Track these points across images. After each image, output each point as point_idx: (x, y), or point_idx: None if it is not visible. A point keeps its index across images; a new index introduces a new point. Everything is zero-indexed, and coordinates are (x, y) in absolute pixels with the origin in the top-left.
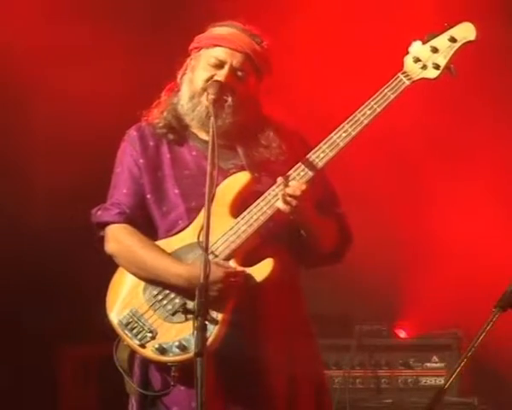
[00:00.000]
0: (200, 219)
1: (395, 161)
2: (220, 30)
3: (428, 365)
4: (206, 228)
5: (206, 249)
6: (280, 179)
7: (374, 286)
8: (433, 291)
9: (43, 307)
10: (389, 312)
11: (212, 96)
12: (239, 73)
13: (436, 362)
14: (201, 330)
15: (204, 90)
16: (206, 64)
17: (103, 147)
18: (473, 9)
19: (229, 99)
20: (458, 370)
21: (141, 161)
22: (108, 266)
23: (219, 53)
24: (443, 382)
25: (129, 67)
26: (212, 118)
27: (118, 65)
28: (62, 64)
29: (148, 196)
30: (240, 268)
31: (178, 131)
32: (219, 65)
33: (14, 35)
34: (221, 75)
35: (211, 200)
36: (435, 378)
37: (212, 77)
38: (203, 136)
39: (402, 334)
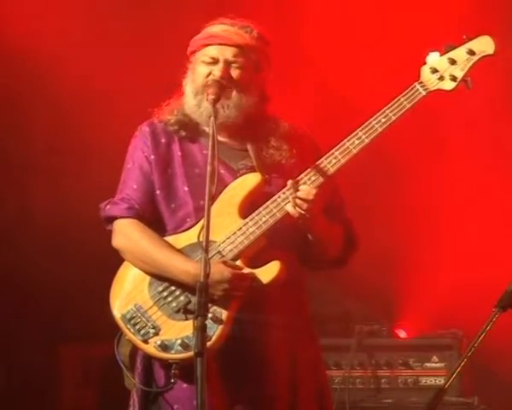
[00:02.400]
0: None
1: (397, 163)
2: (211, 29)
3: (428, 365)
4: (206, 229)
5: (206, 249)
6: (290, 183)
7: (374, 286)
8: (434, 291)
9: (43, 307)
10: (389, 312)
11: (211, 97)
12: (234, 66)
13: (436, 362)
14: (201, 330)
15: (205, 86)
16: (202, 64)
17: (105, 146)
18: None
19: (233, 90)
20: (458, 370)
21: (152, 157)
22: (109, 267)
23: (211, 51)
24: (443, 382)
25: (131, 63)
26: (212, 118)
27: (118, 63)
28: (62, 63)
29: (158, 193)
30: (247, 270)
31: (190, 128)
32: (214, 62)
33: (14, 34)
34: (217, 71)
35: (211, 199)
36: (435, 378)
37: (210, 73)
38: (217, 135)
39: (402, 334)
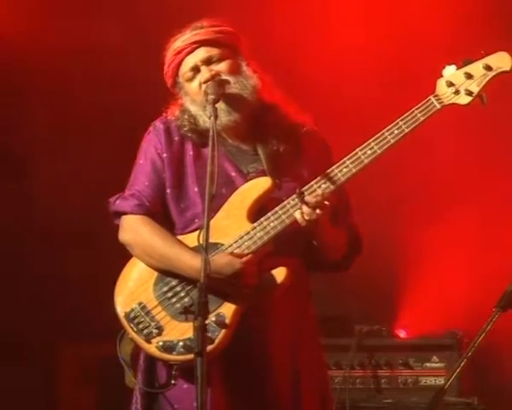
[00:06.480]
0: (216, 220)
1: (398, 164)
2: (171, 50)
3: (428, 365)
4: (206, 229)
5: (206, 249)
6: (299, 191)
7: (374, 286)
8: (434, 291)
9: (42, 306)
10: (389, 312)
11: (211, 97)
12: (213, 61)
13: (436, 362)
14: (202, 331)
15: (206, 94)
16: (188, 82)
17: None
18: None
19: (230, 82)
20: (458, 370)
21: (165, 155)
22: (109, 267)
23: (187, 64)
24: (443, 382)
25: (130, 60)
26: (212, 118)
27: (116, 61)
28: (61, 59)
29: (168, 191)
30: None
31: (203, 132)
32: (195, 72)
33: (14, 32)
34: (204, 74)
35: (210, 199)
36: (435, 378)
37: (200, 83)
38: (228, 138)
39: (402, 334)
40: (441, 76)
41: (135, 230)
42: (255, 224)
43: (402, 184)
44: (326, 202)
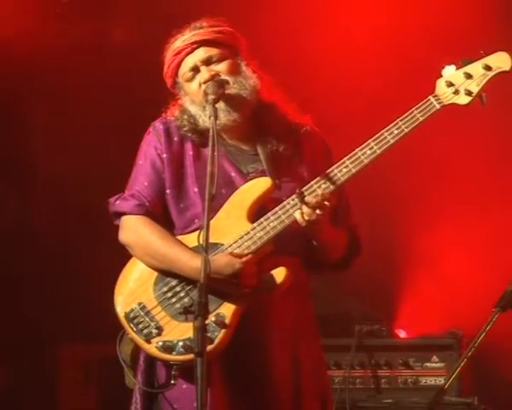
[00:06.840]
0: (216, 220)
1: (398, 164)
2: (171, 51)
3: (428, 365)
4: (206, 228)
5: (206, 249)
6: (299, 191)
7: (374, 286)
8: (434, 291)
9: (43, 306)
10: (389, 312)
11: (211, 97)
12: (213, 61)
13: (436, 362)
14: (201, 331)
15: (206, 94)
16: (188, 82)
17: (104, 141)
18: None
19: (229, 82)
20: (458, 370)
21: (164, 155)
22: (108, 266)
23: (186, 64)
24: (443, 382)
25: (128, 62)
26: (211, 118)
27: (117, 60)
28: (62, 59)
29: (168, 192)
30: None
31: (203, 132)
32: (195, 72)
33: (15, 32)
34: (203, 76)
35: (210, 199)
36: (435, 378)
37: (199, 83)
38: (228, 138)
39: (402, 334)
40: (441, 76)
41: (135, 230)
42: (255, 224)
43: (402, 184)
44: (326, 203)
